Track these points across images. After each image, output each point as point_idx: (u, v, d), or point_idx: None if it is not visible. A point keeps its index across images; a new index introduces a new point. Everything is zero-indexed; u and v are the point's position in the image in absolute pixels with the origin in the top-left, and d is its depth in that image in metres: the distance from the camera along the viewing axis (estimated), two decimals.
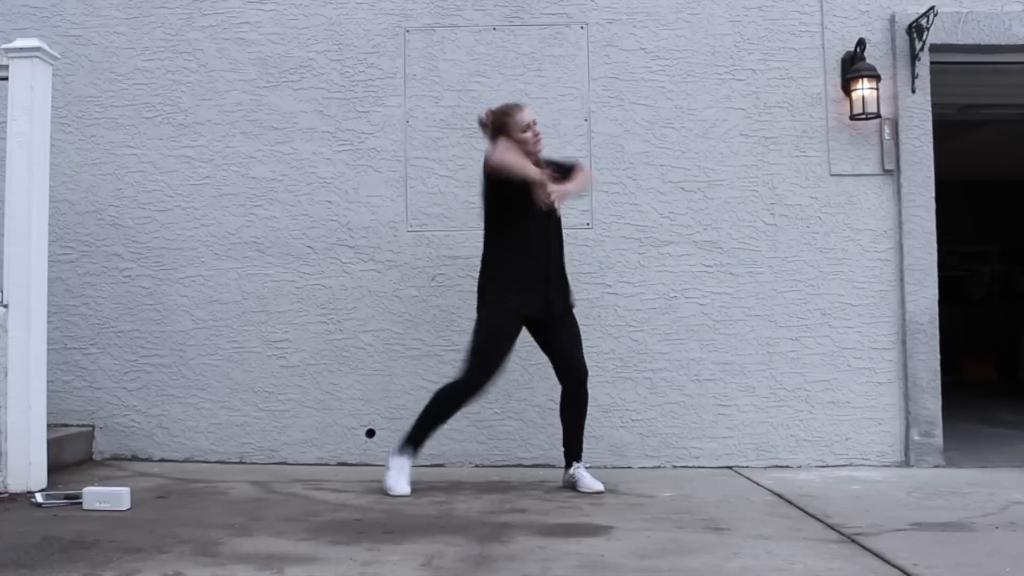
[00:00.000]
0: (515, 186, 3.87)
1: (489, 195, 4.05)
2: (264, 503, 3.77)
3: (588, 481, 4.04)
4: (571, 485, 4.09)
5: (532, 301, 4.01)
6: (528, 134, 4.01)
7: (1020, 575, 2.68)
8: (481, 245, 4.16)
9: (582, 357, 4.14)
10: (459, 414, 4.35)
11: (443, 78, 4.92)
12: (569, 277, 4.79)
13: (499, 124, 4.04)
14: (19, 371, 3.93)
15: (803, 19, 4.90)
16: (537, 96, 4.89)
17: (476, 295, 4.12)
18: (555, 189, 3.83)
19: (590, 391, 4.73)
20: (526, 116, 4.03)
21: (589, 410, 4.70)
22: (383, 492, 3.94)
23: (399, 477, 3.95)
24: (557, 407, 4.74)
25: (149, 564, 2.76)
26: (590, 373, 4.74)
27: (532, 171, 3.87)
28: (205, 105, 4.98)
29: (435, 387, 4.66)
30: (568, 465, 4.12)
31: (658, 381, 4.78)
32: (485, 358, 3.95)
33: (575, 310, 4.24)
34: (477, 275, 4.17)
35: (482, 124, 4.14)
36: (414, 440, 4.01)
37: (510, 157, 3.89)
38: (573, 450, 4.13)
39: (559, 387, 4.74)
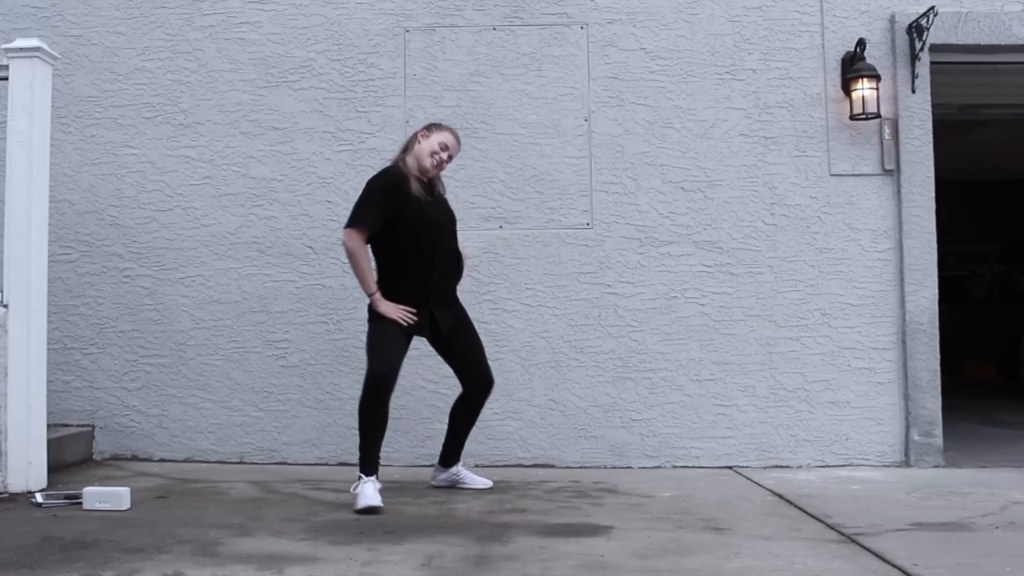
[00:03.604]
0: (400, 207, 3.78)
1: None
2: (264, 503, 3.77)
3: (478, 479, 4.10)
4: (452, 484, 4.10)
5: (418, 322, 3.83)
6: (431, 158, 3.86)
7: (1020, 575, 2.68)
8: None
9: (488, 364, 4.05)
10: None
11: (443, 78, 4.92)
12: (568, 277, 4.82)
13: (428, 129, 3.93)
14: (19, 371, 3.94)
15: (803, 19, 4.89)
16: (537, 96, 4.89)
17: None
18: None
19: (590, 391, 4.76)
20: (451, 143, 3.90)
21: (589, 410, 4.74)
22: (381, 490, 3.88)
23: (368, 492, 3.62)
24: (557, 407, 4.76)
25: (149, 564, 2.76)
26: (590, 373, 4.77)
27: (369, 284, 3.80)
28: (205, 105, 4.98)
29: (435, 387, 4.69)
30: (449, 465, 4.10)
31: (658, 381, 4.77)
32: (375, 351, 3.75)
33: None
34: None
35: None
36: (367, 459, 3.72)
37: (361, 256, 3.79)
38: (459, 453, 4.11)
39: (560, 387, 4.78)
